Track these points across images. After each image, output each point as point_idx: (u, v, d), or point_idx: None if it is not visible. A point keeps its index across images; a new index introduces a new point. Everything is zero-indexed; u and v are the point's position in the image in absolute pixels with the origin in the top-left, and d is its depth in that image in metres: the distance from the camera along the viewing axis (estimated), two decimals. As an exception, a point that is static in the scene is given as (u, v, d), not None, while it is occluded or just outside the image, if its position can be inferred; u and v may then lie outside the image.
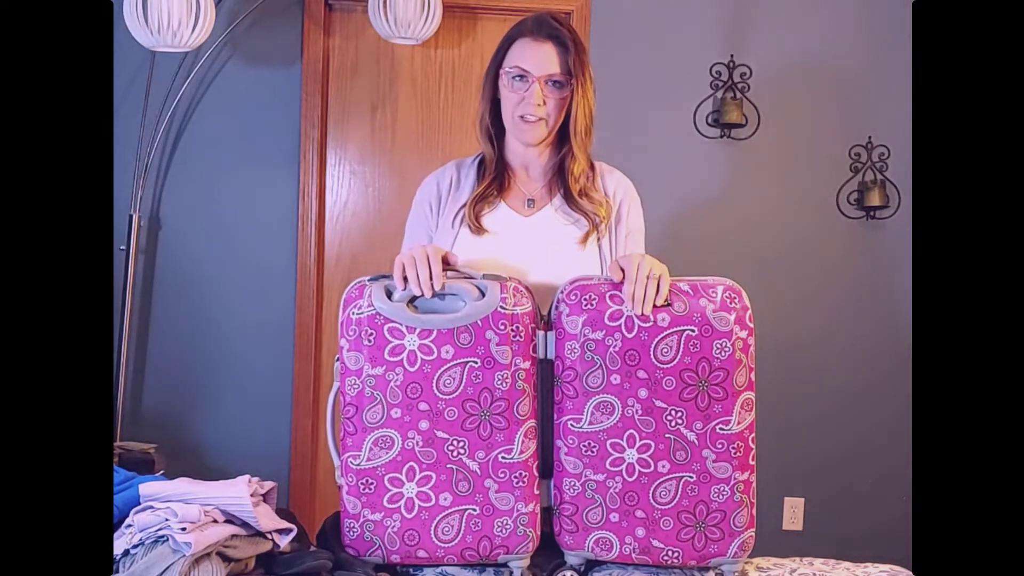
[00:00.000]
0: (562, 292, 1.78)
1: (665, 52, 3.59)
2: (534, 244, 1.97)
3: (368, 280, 1.77)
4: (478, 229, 1.97)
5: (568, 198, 1.99)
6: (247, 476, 1.72)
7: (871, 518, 3.63)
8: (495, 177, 2.00)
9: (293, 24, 3.45)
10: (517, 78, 1.94)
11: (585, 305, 1.74)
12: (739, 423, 1.75)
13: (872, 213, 3.65)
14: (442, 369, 1.73)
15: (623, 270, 1.76)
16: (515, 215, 2.00)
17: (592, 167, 2.03)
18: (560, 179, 2.01)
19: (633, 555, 1.78)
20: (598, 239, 1.98)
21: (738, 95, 3.57)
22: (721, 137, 3.60)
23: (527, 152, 2.02)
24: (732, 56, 3.59)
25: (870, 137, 3.65)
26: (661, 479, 1.75)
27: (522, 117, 1.95)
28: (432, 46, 3.52)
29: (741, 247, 3.62)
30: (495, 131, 2.02)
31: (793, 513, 3.64)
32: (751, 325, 1.76)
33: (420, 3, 3.18)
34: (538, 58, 1.93)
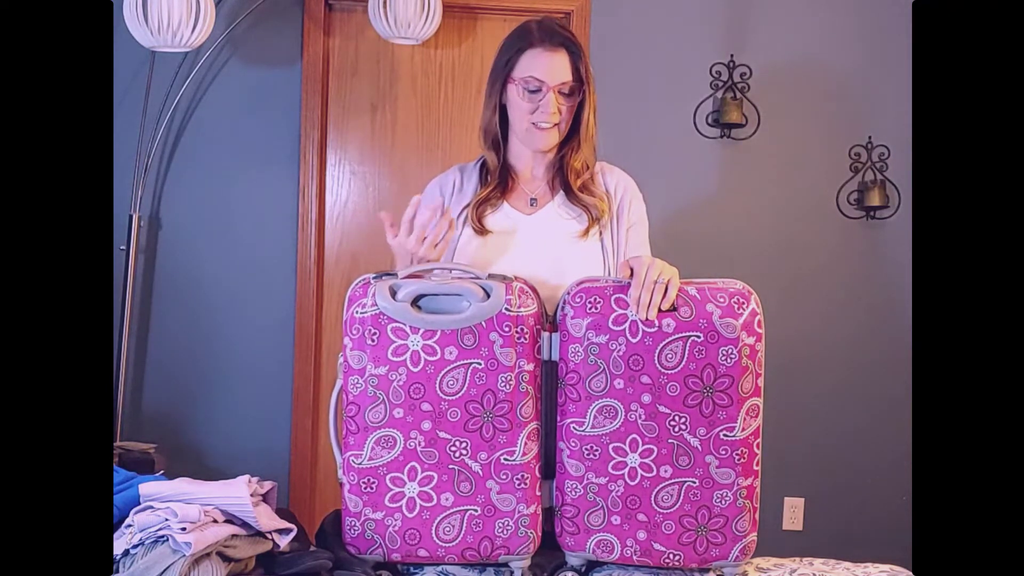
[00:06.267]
0: (568, 294, 1.77)
1: (665, 52, 3.59)
2: (537, 241, 1.98)
3: (372, 278, 1.77)
4: (481, 230, 1.98)
5: (569, 194, 2.00)
6: (247, 476, 1.71)
7: (871, 518, 3.62)
8: (498, 184, 2.01)
9: (293, 24, 3.45)
10: (531, 88, 1.94)
11: (590, 308, 1.73)
12: (743, 429, 1.73)
13: (872, 213, 3.65)
14: (445, 370, 1.73)
15: (632, 270, 1.74)
16: (518, 214, 2.01)
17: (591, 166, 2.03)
18: (561, 176, 2.02)
19: (634, 557, 1.77)
20: (599, 233, 1.98)
21: (738, 95, 3.57)
22: (721, 137, 3.60)
23: (532, 155, 2.02)
24: (732, 56, 3.59)
25: (870, 137, 3.65)
26: (663, 484, 1.74)
27: (535, 125, 1.95)
28: (432, 46, 3.52)
29: (741, 247, 3.61)
30: (501, 137, 2.02)
31: (793, 513, 3.64)
32: (760, 331, 1.73)
33: (420, 3, 3.17)
34: (552, 67, 1.93)
